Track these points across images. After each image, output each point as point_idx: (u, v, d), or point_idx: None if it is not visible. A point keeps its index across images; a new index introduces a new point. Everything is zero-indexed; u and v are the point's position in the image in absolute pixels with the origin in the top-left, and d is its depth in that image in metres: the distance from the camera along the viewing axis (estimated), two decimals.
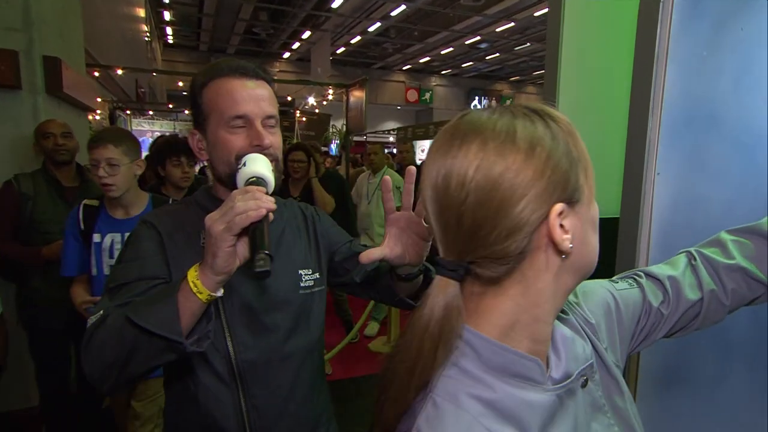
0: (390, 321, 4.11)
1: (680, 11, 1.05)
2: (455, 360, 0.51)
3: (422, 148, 12.91)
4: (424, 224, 0.82)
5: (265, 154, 0.87)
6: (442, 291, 0.51)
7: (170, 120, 15.50)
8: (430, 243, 0.85)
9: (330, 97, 10.54)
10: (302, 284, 1.01)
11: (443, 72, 20.39)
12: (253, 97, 0.89)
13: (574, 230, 0.51)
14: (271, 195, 0.77)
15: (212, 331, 0.78)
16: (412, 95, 19.90)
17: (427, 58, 18.06)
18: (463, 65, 19.22)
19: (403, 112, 20.88)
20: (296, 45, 16.90)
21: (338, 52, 17.21)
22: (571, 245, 0.50)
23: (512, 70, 19.85)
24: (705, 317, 0.71)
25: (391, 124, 19.77)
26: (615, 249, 1.17)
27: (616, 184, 1.16)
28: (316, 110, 12.37)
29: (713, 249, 0.75)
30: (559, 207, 0.49)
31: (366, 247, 1.09)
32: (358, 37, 15.51)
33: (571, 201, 0.51)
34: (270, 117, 0.91)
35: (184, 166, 2.42)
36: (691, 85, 1.11)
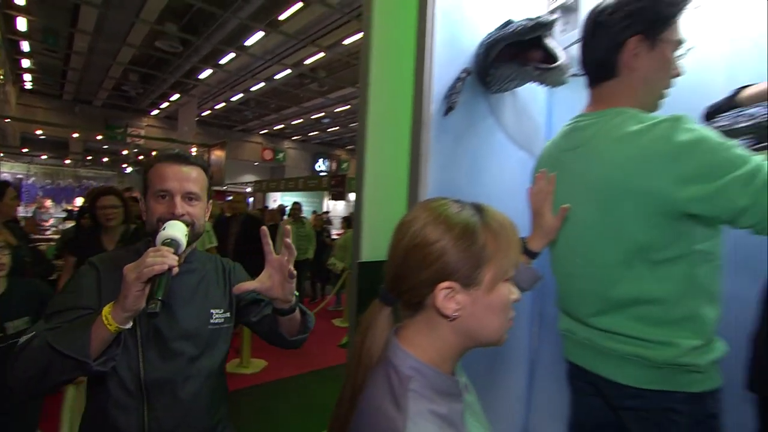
0: (242, 347, 3.99)
1: (435, 127, 1.35)
2: (410, 385, 0.55)
3: (273, 199, 13.12)
4: (291, 269, 0.91)
5: (182, 221, 0.94)
6: (378, 310, 0.61)
7: (24, 162, 12.54)
8: (294, 283, 0.94)
9: (193, 154, 9.99)
10: (212, 320, 1.06)
11: (294, 138, 20.70)
12: (179, 177, 0.98)
13: (465, 305, 0.56)
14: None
15: (119, 355, 0.84)
16: (268, 154, 19.71)
17: (281, 126, 18.20)
18: (310, 134, 19.82)
19: (261, 167, 20.51)
20: (165, 104, 15.28)
21: (204, 114, 16.23)
22: (456, 314, 0.56)
23: (348, 140, 21.08)
24: None
25: (250, 177, 19.25)
26: None
27: None
28: None
29: None
30: (445, 284, 0.55)
31: (262, 296, 1.13)
32: (223, 104, 14.94)
33: (466, 284, 0.56)
34: (190, 193, 0.99)
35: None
36: (443, 176, 1.41)
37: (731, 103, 1.14)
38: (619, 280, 0.87)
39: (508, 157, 1.56)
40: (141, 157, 13.48)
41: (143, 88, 13.47)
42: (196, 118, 14.27)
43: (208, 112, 16.19)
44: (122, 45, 9.77)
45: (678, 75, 0.91)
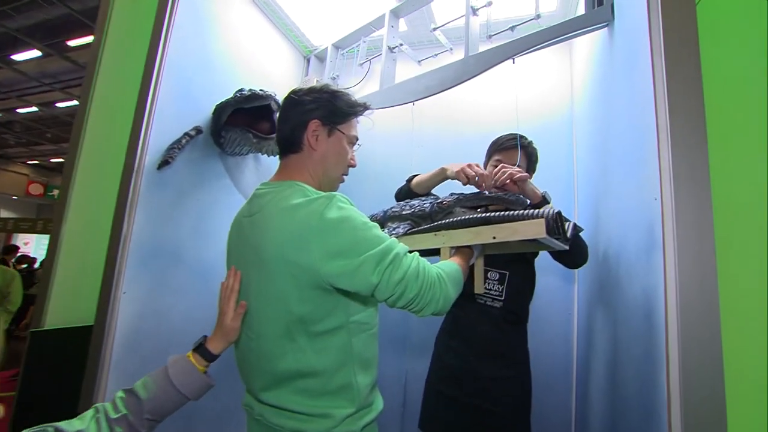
0: None
1: (146, 179, 1.13)
2: None
3: (25, 241, 9.84)
4: None
5: None
6: None
7: None
8: None
9: None
10: None
11: None
12: None
13: None
14: None
15: None
16: (37, 189, 14.89)
17: (60, 160, 14.26)
18: None
19: (24, 203, 15.25)
20: None
21: None
22: None
23: None
24: None
25: (4, 213, 14.08)
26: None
27: (95, 300, 1.08)
28: None
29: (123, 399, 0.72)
30: None
31: None
32: None
33: None
34: None
35: None
36: (160, 230, 1.19)
37: (408, 186, 1.30)
38: (284, 353, 0.78)
39: None
40: None
41: None
42: None
43: None
44: None
45: (353, 165, 0.95)
